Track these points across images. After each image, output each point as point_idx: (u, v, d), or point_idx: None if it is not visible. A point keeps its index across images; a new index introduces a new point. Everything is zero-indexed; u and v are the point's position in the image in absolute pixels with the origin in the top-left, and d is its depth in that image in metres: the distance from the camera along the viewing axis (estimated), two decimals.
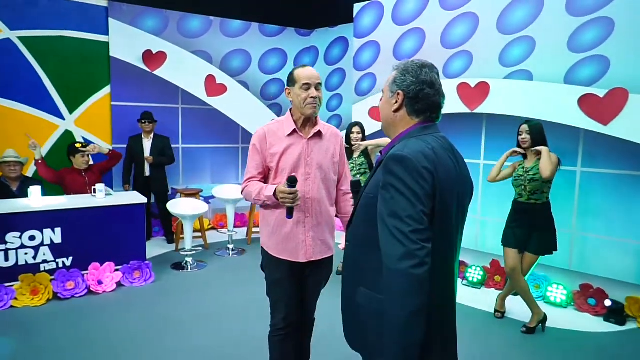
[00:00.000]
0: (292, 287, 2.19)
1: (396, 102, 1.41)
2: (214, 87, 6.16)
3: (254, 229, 5.68)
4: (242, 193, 2.20)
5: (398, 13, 4.91)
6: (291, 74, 2.10)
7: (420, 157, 1.26)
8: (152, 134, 5.36)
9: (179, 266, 4.58)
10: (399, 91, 1.40)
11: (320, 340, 2.68)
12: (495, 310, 3.66)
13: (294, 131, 2.09)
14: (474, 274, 4.35)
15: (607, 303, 3.59)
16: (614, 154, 3.69)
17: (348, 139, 4.25)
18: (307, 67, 2.11)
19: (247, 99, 6.49)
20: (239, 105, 6.42)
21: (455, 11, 4.47)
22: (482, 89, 4.34)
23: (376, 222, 1.32)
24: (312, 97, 2.04)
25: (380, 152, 1.49)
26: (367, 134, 5.36)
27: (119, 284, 4.03)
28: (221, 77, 6.23)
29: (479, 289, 4.29)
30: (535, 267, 3.56)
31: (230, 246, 5.11)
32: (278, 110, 6.75)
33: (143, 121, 5.27)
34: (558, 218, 3.49)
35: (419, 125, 1.40)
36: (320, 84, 2.10)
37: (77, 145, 4.62)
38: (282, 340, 2.21)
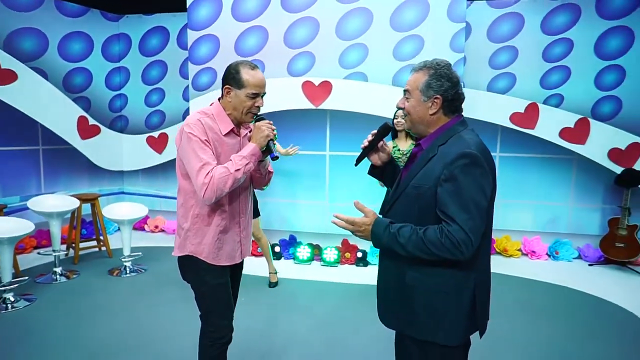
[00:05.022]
0: (230, 291, 2.09)
1: (433, 105, 1.50)
2: None
3: (82, 245, 4.77)
4: (206, 189, 1.77)
5: (238, 9, 4.91)
6: (238, 73, 1.85)
7: (484, 154, 1.43)
8: None
9: None
10: (438, 96, 1.49)
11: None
12: None
13: (232, 130, 1.95)
14: (331, 254, 4.82)
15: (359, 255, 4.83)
16: None
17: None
18: (256, 69, 1.89)
19: (46, 90, 5.30)
20: (36, 97, 5.18)
21: (296, 14, 4.79)
22: (325, 87, 4.82)
23: (427, 212, 1.46)
24: (256, 107, 1.89)
25: (419, 143, 1.58)
26: None
27: None
28: (8, 62, 4.90)
29: (336, 267, 4.79)
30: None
31: (58, 269, 4.16)
32: (86, 105, 5.74)
33: None
34: None
35: (456, 120, 1.54)
36: (265, 92, 1.93)
37: None
38: (224, 350, 2.06)
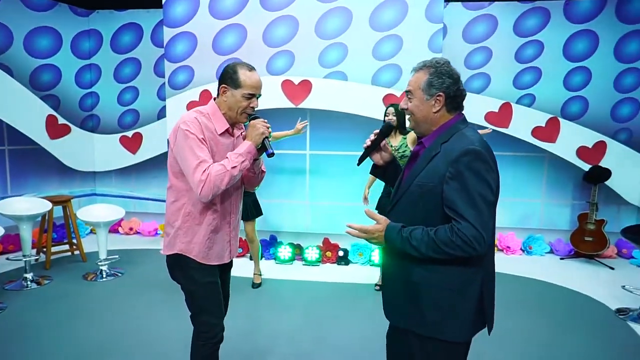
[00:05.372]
0: (220, 290, 2.08)
1: (436, 103, 1.52)
2: None
3: (54, 249, 4.58)
4: (203, 186, 1.78)
5: (216, 7, 4.83)
6: (235, 73, 1.86)
7: (487, 150, 1.45)
8: None
9: None
10: (440, 93, 1.50)
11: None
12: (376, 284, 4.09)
13: (226, 130, 1.95)
14: (312, 253, 4.82)
15: (340, 253, 4.84)
16: None
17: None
18: (254, 71, 1.91)
19: (12, 87, 5.06)
20: (1, 95, 4.95)
21: (275, 12, 4.76)
22: (305, 86, 4.81)
23: (433, 210, 1.47)
24: (251, 107, 1.91)
25: (421, 142, 1.59)
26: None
27: None
28: None
29: (318, 266, 4.79)
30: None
31: (29, 275, 3.98)
32: (55, 103, 5.52)
33: None
34: None
35: (458, 117, 1.55)
36: (260, 94, 1.96)
37: None
38: (216, 349, 2.05)
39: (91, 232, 5.80)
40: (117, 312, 3.50)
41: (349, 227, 1.56)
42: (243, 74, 1.86)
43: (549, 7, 5.09)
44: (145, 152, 5.83)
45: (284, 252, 4.86)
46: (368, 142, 1.75)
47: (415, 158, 1.61)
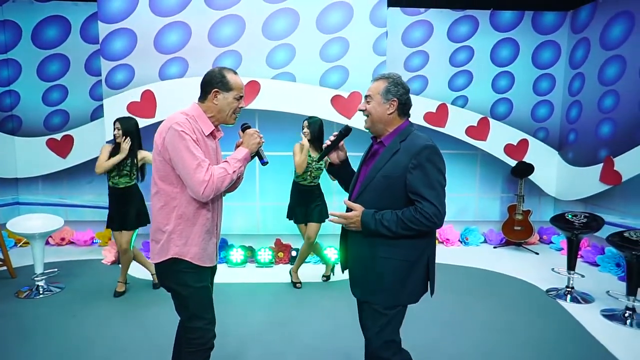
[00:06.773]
0: (212, 294, 2.09)
1: (390, 106, 1.83)
2: None
3: None
4: (207, 186, 1.80)
5: (156, 3, 4.62)
6: (224, 77, 1.93)
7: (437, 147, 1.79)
8: None
9: None
10: (395, 99, 1.83)
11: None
12: (294, 283, 4.21)
13: (211, 132, 1.99)
14: (265, 255, 4.79)
15: (293, 253, 4.89)
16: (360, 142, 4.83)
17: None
18: (237, 74, 2.00)
19: None
20: None
21: (221, 11, 4.66)
22: (253, 87, 4.77)
23: (398, 196, 1.77)
24: (240, 107, 2.00)
25: (381, 141, 1.87)
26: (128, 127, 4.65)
27: None
28: None
29: (271, 267, 4.78)
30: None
31: None
32: None
33: None
34: None
35: (407, 122, 1.88)
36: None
37: None
38: (207, 356, 2.02)
39: (16, 244, 5.28)
40: (68, 329, 3.24)
41: (332, 215, 1.86)
42: (231, 78, 1.95)
43: (477, 15, 5.52)
44: (78, 155, 5.41)
45: (236, 255, 4.79)
46: (328, 142, 1.96)
47: (374, 155, 1.88)
